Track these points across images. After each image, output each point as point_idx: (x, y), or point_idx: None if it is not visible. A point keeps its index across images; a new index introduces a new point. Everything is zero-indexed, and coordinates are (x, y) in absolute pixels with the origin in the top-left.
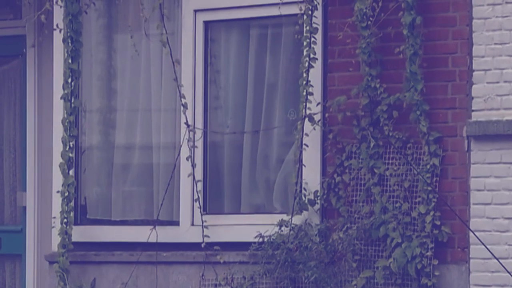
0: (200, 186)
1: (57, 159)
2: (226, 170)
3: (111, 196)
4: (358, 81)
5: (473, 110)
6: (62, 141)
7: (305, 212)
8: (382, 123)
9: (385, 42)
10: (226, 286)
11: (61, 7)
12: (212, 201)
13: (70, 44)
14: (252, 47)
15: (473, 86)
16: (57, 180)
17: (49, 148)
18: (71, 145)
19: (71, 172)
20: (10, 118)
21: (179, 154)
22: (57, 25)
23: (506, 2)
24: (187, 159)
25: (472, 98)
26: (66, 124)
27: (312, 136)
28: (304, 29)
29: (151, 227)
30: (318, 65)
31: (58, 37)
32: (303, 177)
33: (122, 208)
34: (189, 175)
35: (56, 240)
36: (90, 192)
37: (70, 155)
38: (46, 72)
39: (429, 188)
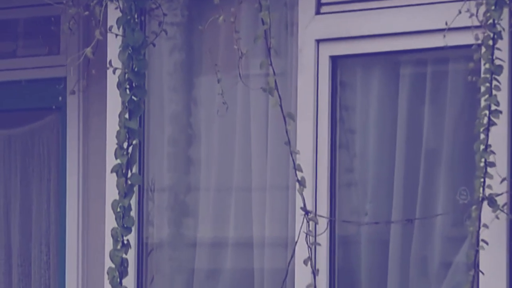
0: None
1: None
2: (364, 278)
3: None
4: None
5: None
6: (112, 236)
7: None
8: None
9: None
10: None
11: (117, 36)
12: None
13: (128, 91)
14: (403, 94)
15: None
16: None
17: (99, 245)
18: (125, 242)
19: (128, 281)
20: (42, 202)
21: (293, 255)
22: (109, 63)
23: None
24: (305, 262)
25: None
26: (117, 209)
27: (494, 228)
28: (482, 68)
29: None
30: (503, 122)
31: (112, 80)
32: None
33: None
34: (308, 287)
35: None
36: None
37: (124, 256)
38: (94, 132)
39: None
